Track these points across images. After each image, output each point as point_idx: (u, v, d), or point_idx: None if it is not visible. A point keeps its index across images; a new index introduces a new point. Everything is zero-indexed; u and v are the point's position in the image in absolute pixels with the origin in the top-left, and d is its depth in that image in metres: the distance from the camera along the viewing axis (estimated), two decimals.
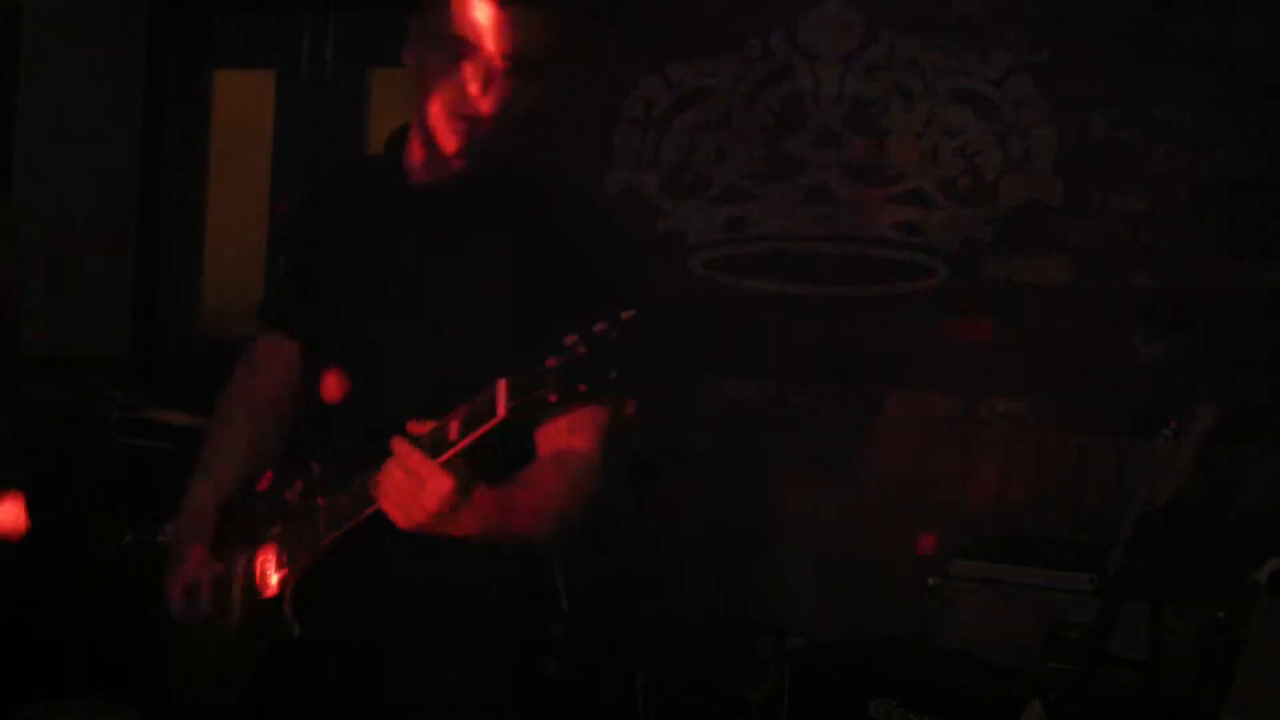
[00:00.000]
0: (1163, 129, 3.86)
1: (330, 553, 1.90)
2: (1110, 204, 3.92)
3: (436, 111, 1.95)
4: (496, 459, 1.74)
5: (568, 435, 1.92)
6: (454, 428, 1.68)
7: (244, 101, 5.22)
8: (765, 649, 3.94)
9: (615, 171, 4.39)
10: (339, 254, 2.11)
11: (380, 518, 1.75)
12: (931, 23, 4.09)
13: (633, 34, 4.38)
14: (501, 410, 1.61)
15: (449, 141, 1.95)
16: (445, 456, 1.67)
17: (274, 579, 1.96)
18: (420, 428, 1.70)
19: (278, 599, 1.94)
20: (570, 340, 1.56)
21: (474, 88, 1.91)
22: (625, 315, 1.56)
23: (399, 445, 1.68)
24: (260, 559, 2.01)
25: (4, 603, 3.83)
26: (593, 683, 3.86)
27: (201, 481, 2.16)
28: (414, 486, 1.67)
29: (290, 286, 2.22)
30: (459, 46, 1.91)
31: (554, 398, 1.56)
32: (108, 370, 4.10)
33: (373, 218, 2.10)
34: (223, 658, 2.08)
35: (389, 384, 1.99)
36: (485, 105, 1.91)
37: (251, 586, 2.01)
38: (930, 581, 3.41)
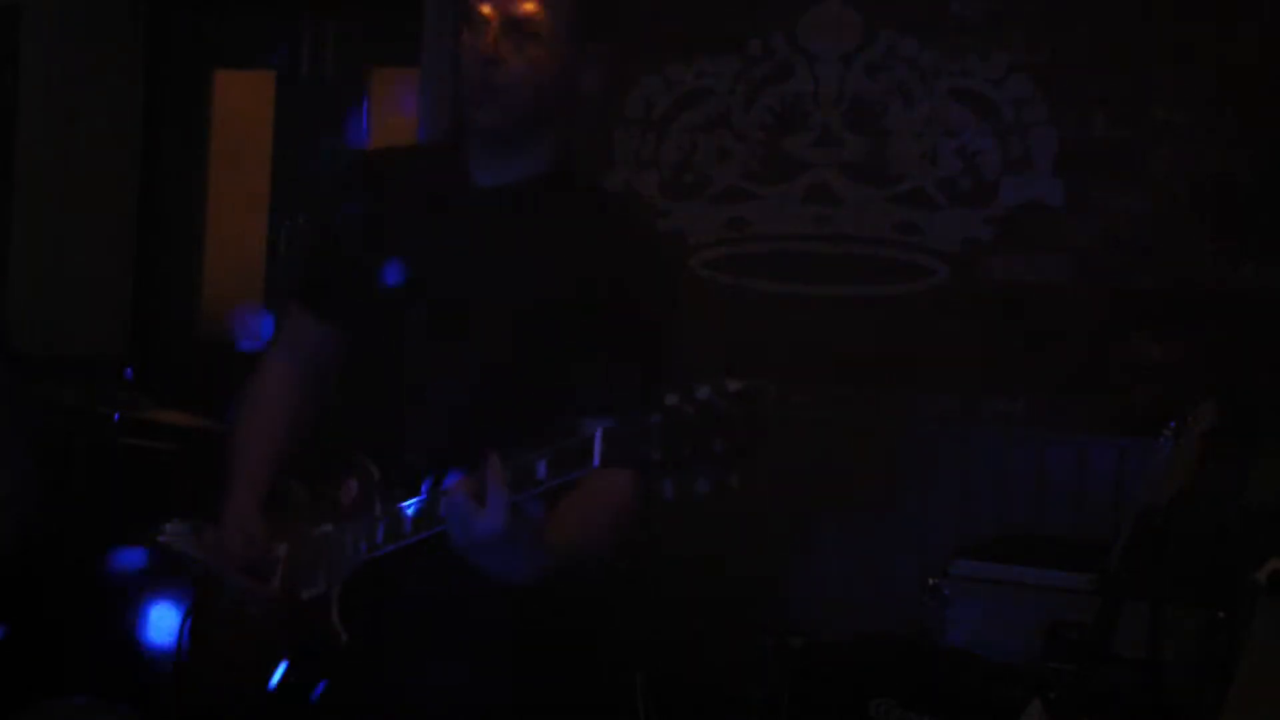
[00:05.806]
0: (1163, 129, 3.86)
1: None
2: (1110, 204, 3.92)
3: (467, 77, 1.96)
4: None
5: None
6: (541, 466, 1.61)
7: (244, 101, 5.21)
8: (765, 649, 3.94)
9: (615, 171, 4.39)
10: (388, 246, 2.03)
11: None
12: (931, 23, 4.08)
13: (633, 34, 4.38)
14: (597, 460, 1.54)
15: (477, 99, 1.95)
16: (528, 493, 1.63)
17: (322, 582, 1.93)
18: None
19: (324, 605, 1.91)
20: (674, 400, 1.47)
21: (492, 43, 1.93)
22: (732, 386, 1.46)
23: (492, 466, 1.62)
24: (307, 552, 1.97)
25: (5, 603, 3.82)
26: (593, 683, 3.85)
27: (245, 461, 2.10)
28: (473, 510, 1.63)
29: (330, 267, 2.15)
30: (476, 11, 1.95)
31: (657, 456, 1.47)
32: (108, 370, 4.09)
33: (430, 217, 2.04)
34: (251, 639, 2.04)
35: (434, 397, 1.96)
36: (506, 60, 1.93)
37: (296, 578, 1.98)
38: (930, 581, 3.41)
